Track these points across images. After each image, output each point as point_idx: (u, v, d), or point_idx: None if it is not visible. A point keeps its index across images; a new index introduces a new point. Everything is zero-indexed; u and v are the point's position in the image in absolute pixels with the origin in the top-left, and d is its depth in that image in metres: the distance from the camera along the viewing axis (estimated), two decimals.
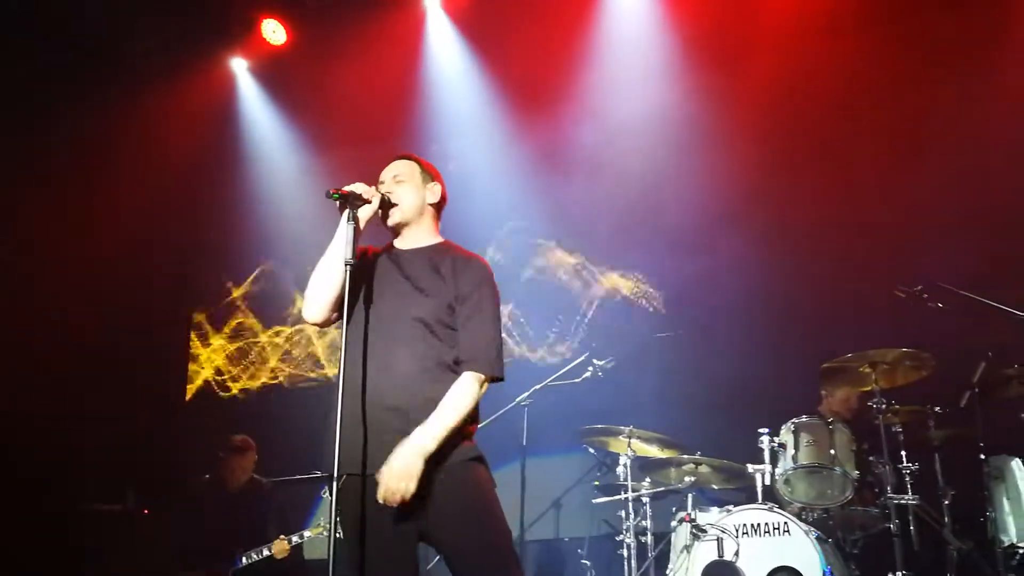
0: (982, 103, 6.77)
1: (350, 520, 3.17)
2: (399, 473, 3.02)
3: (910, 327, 6.05)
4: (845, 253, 6.98)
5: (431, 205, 3.54)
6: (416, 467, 3.03)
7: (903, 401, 5.75)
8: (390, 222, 3.47)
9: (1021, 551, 5.61)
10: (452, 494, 3.13)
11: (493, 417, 6.44)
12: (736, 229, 7.28)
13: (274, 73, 8.71)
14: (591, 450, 6.73)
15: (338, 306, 3.31)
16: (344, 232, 3.25)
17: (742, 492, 6.07)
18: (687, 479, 5.81)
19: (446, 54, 8.39)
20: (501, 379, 3.29)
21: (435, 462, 3.10)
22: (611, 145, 7.81)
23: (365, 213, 3.33)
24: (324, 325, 3.42)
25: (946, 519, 5.66)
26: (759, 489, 5.55)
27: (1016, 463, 5.81)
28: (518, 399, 6.70)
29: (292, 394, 8.92)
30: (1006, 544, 5.59)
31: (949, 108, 6.87)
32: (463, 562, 3.12)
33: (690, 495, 5.71)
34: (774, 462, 5.63)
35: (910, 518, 5.52)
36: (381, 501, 3.03)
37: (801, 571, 5.02)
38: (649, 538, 5.85)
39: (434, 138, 8.47)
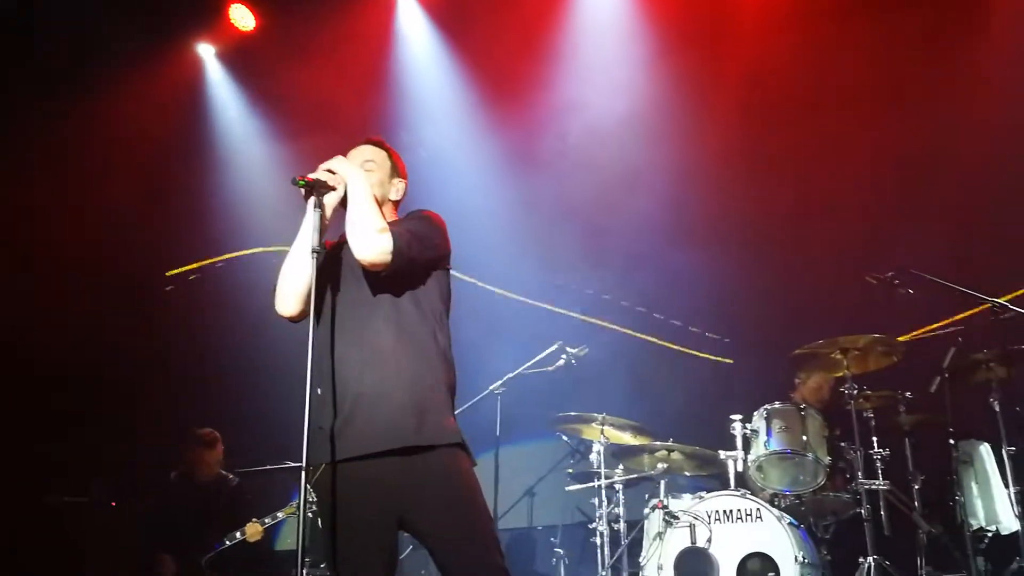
0: (956, 92, 6.80)
1: (326, 508, 3.12)
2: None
3: (881, 314, 6.08)
4: (818, 241, 7.00)
5: (391, 201, 3.47)
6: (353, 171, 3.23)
7: (874, 387, 5.78)
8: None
9: (989, 534, 5.68)
10: (434, 481, 3.08)
11: (466, 406, 6.42)
12: (709, 219, 7.30)
13: (242, 59, 8.58)
14: (564, 438, 6.73)
15: (306, 297, 3.23)
16: (311, 220, 3.17)
17: (715, 479, 6.09)
18: (660, 466, 5.81)
19: (417, 40, 8.31)
20: (394, 257, 3.13)
21: (418, 448, 3.07)
22: (584, 135, 7.77)
23: (332, 201, 3.23)
24: (296, 319, 3.32)
25: (916, 503, 5.71)
26: (731, 476, 5.57)
27: (984, 448, 5.88)
28: (491, 387, 6.69)
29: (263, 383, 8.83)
30: (975, 528, 5.66)
31: (923, 96, 6.90)
32: (445, 550, 3.08)
33: (663, 482, 5.71)
34: (746, 449, 5.64)
35: (881, 503, 5.55)
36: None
37: (774, 557, 5.03)
38: (622, 525, 5.86)
39: (404, 125, 8.40)
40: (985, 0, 6.95)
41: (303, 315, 3.29)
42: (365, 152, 3.48)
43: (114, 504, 7.45)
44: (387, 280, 3.20)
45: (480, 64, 8.16)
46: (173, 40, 8.33)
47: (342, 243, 3.37)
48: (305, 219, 3.25)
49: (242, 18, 8.19)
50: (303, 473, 2.94)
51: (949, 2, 6.97)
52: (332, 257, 3.33)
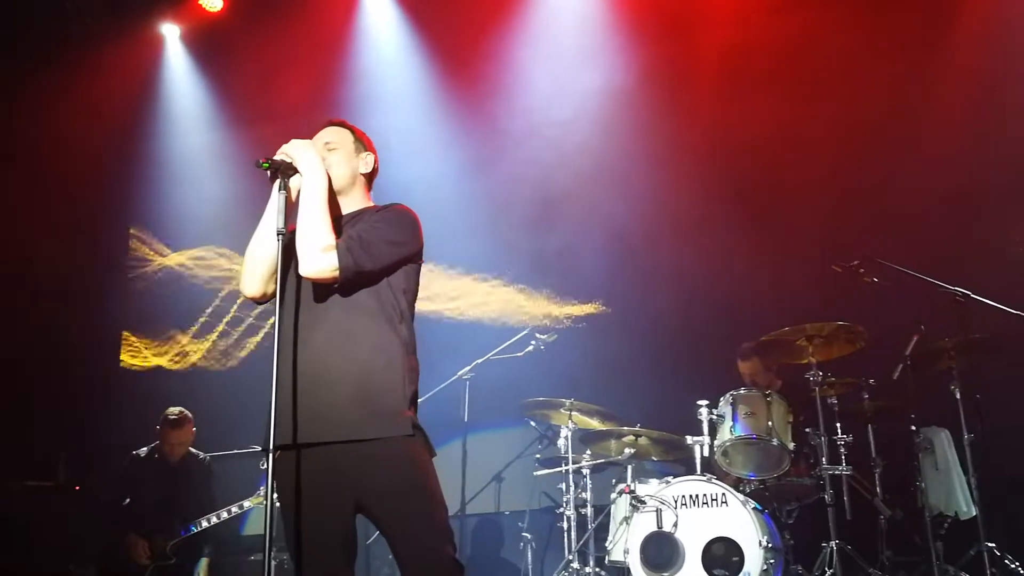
0: (931, 82, 6.85)
1: (286, 492, 3.13)
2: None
3: (845, 301, 6.15)
4: (786, 229, 7.04)
5: (363, 175, 3.45)
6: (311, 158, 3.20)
7: (838, 374, 5.85)
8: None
9: (948, 520, 5.78)
10: (387, 468, 3.08)
11: (434, 391, 6.43)
12: (675, 207, 7.32)
13: (207, 41, 8.49)
14: (532, 423, 6.75)
15: (272, 277, 3.22)
16: (276, 202, 3.15)
17: (681, 464, 6.14)
18: (627, 451, 5.86)
19: (385, 27, 8.29)
20: (342, 274, 3.10)
21: (378, 450, 3.07)
22: (552, 122, 7.76)
23: (297, 182, 3.21)
24: (262, 300, 3.32)
25: (878, 489, 5.79)
26: (698, 460, 5.61)
27: (945, 435, 5.97)
28: (459, 373, 6.70)
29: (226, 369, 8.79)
30: (934, 513, 5.75)
31: (898, 86, 6.94)
32: (395, 536, 3.09)
33: (630, 467, 5.75)
34: (712, 434, 5.69)
35: (843, 488, 5.63)
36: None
37: (738, 541, 5.09)
38: (589, 510, 5.89)
39: (373, 112, 8.37)
40: None
41: (267, 297, 3.29)
42: (325, 135, 3.45)
43: (77, 488, 7.40)
44: None
45: (449, 49, 8.14)
46: (136, 18, 8.22)
47: None
48: (270, 201, 3.23)
49: None
50: (269, 457, 2.94)
51: None
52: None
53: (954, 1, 7.04)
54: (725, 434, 5.67)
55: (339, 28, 8.25)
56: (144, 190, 8.86)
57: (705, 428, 5.68)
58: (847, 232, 6.76)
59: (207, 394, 8.04)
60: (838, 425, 5.77)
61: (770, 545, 5.06)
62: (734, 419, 5.67)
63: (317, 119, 3.56)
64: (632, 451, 5.86)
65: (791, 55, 7.16)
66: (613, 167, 7.56)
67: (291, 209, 3.19)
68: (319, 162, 3.25)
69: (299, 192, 3.21)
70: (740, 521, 5.15)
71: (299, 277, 3.22)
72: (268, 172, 3.17)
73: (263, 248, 3.23)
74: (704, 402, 5.73)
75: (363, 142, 3.49)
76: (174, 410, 6.83)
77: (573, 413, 6.10)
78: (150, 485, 6.68)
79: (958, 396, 5.62)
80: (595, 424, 6.26)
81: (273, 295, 3.24)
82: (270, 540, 2.90)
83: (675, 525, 5.23)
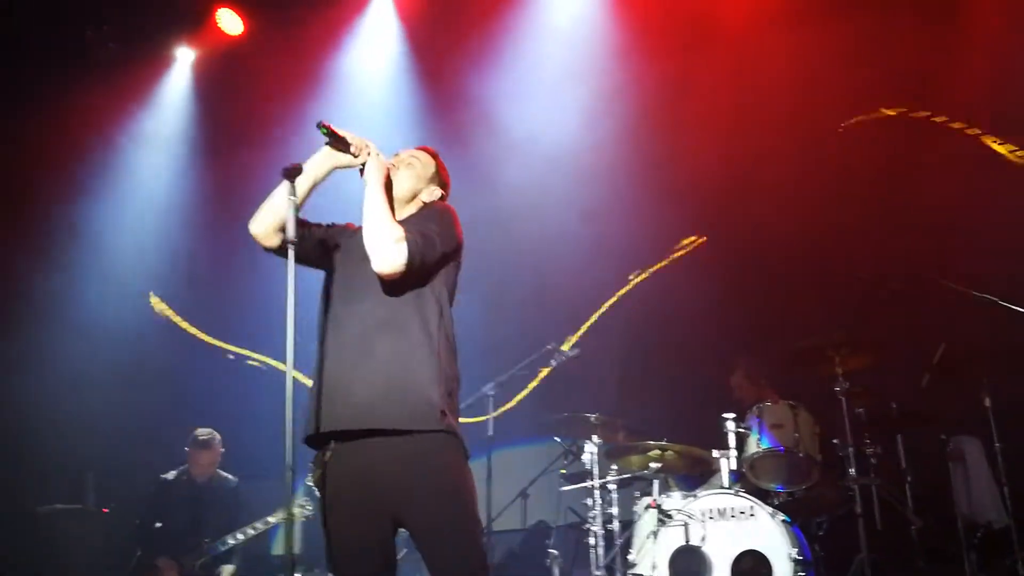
0: (936, 101, 6.81)
1: (328, 499, 3.15)
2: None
3: (872, 312, 6.11)
4: (805, 242, 6.97)
5: (422, 201, 3.45)
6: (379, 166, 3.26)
7: (866, 383, 5.80)
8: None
9: (982, 530, 5.71)
10: (421, 468, 3.05)
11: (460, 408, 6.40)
12: (693, 221, 7.31)
13: (221, 66, 8.51)
14: (557, 439, 6.73)
15: (279, 231, 3.26)
16: (288, 208, 3.16)
17: (708, 477, 6.10)
18: (653, 465, 5.82)
19: (386, 48, 8.32)
20: (408, 267, 3.12)
21: (414, 448, 3.06)
22: (554, 142, 7.72)
23: (342, 160, 3.28)
24: (266, 245, 3.35)
25: (908, 499, 5.73)
26: (725, 474, 5.57)
27: (975, 443, 5.91)
28: (483, 390, 6.69)
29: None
30: (967, 522, 5.68)
31: (906, 102, 6.90)
32: (430, 540, 3.07)
33: (656, 481, 5.72)
34: (740, 447, 5.65)
35: (874, 499, 5.57)
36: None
37: (767, 555, 5.04)
38: (616, 525, 5.86)
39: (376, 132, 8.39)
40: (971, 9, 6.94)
41: (270, 243, 3.34)
42: (413, 151, 3.50)
43: (106, 511, 7.44)
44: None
45: (446, 83, 8.13)
46: (156, 42, 8.29)
47: (353, 231, 3.41)
48: (318, 154, 3.31)
49: (230, 22, 8.15)
50: (288, 473, 2.94)
51: (933, 11, 6.93)
52: (344, 242, 3.38)
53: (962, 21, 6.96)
54: (752, 447, 5.63)
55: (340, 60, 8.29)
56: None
57: (732, 441, 5.64)
58: (869, 245, 6.69)
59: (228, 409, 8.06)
60: (866, 435, 5.72)
61: (800, 558, 5.01)
62: (761, 431, 5.63)
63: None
64: (658, 465, 5.82)
65: (804, 71, 7.10)
66: (623, 180, 7.52)
67: (297, 215, 3.22)
68: (379, 157, 3.31)
69: (324, 177, 3.33)
70: (769, 534, 5.10)
71: (343, 269, 3.29)
72: (326, 137, 3.24)
73: (280, 199, 3.27)
74: (730, 415, 5.70)
75: (442, 178, 3.52)
76: (203, 431, 6.87)
77: (599, 428, 6.07)
78: (179, 508, 6.72)
79: (988, 404, 5.56)
80: (620, 439, 6.23)
81: (276, 247, 3.32)
82: (291, 554, 2.90)
83: (703, 539, 5.19)
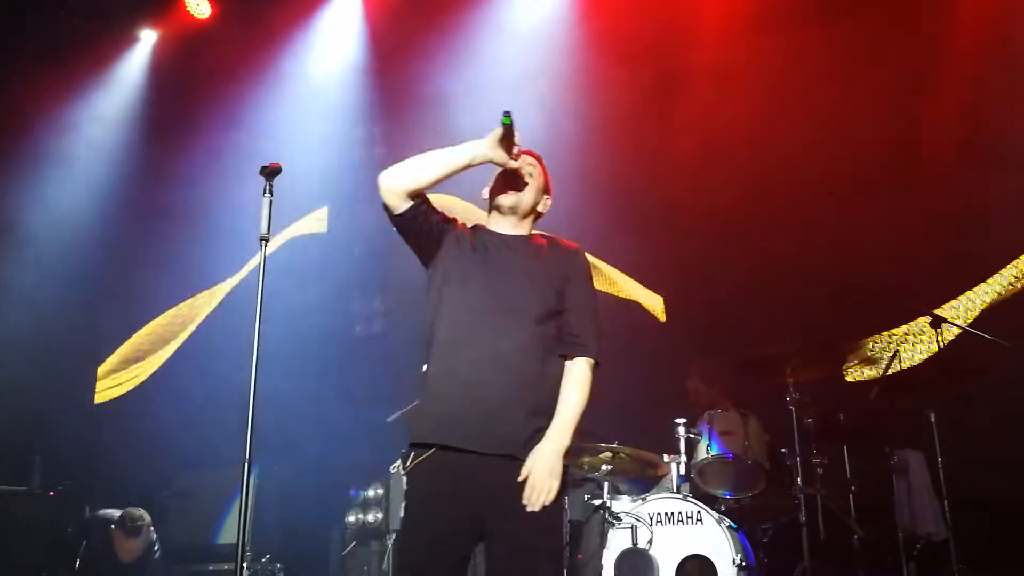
0: (914, 105, 6.89)
1: (423, 495, 3.11)
2: (549, 472, 3.05)
3: (823, 324, 6.20)
4: (764, 249, 7.06)
5: (539, 212, 3.48)
6: (560, 467, 3.07)
7: (815, 394, 5.88)
8: (508, 200, 3.36)
9: (922, 541, 5.82)
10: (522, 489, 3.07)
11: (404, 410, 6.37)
12: (655, 222, 7.34)
13: (183, 49, 8.42)
14: None
15: (412, 197, 3.21)
16: (263, 206, 3.17)
17: (657, 481, 6.15)
18: (603, 468, 5.85)
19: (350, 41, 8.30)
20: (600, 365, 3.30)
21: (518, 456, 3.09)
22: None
23: (497, 157, 3.23)
24: (392, 202, 3.23)
25: (852, 510, 5.82)
26: (674, 479, 5.62)
27: (919, 457, 6.01)
28: None
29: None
30: (908, 534, 5.78)
31: (880, 109, 6.97)
32: (516, 561, 3.04)
33: (605, 483, 5.75)
34: (689, 452, 5.71)
35: (818, 509, 5.65)
36: (529, 504, 3.03)
37: (712, 560, 5.10)
38: (565, 526, 5.88)
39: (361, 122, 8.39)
40: (950, 13, 7.00)
41: (402, 210, 3.23)
42: (529, 159, 3.44)
43: (52, 494, 7.33)
44: (525, 279, 3.26)
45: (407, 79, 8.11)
46: (123, 22, 8.19)
47: (474, 228, 3.41)
48: (494, 135, 3.21)
49: (198, 5, 8.08)
50: (245, 466, 2.94)
51: (911, 13, 7.00)
52: (512, 250, 3.34)
53: (940, 26, 7.03)
54: (702, 452, 5.69)
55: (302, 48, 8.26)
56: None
57: (682, 446, 5.70)
58: (830, 255, 6.76)
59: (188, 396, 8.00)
60: (813, 445, 5.80)
61: (744, 564, 5.09)
62: (711, 438, 5.69)
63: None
64: (609, 468, 5.85)
65: (775, 75, 7.16)
66: (587, 186, 7.53)
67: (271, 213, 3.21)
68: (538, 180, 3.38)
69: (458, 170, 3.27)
70: (715, 539, 5.16)
71: (494, 277, 3.25)
72: (506, 126, 3.18)
73: (443, 165, 3.23)
74: (681, 420, 5.75)
75: (547, 184, 3.51)
76: (134, 514, 6.65)
77: None
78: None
79: (932, 419, 5.67)
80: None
81: (402, 213, 3.23)
82: (241, 548, 2.90)
83: (650, 542, 5.24)
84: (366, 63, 8.22)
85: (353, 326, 8.57)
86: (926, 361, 5.71)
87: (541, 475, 3.04)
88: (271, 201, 3.16)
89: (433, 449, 3.09)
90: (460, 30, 7.78)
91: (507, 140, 3.20)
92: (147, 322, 8.69)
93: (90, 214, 8.37)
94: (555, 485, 3.05)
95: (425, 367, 3.21)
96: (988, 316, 5.74)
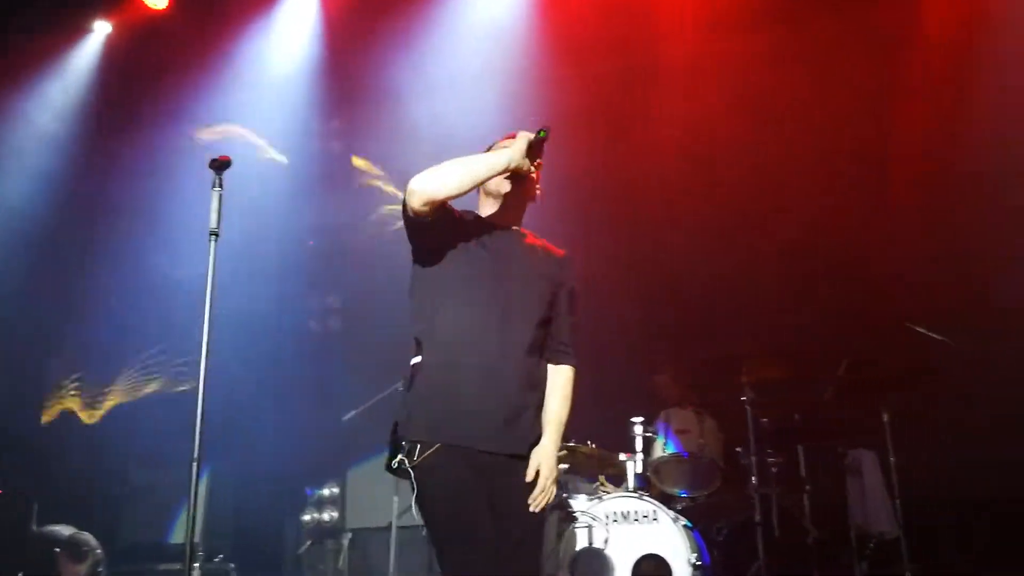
0: (879, 106, 6.93)
1: (450, 492, 3.09)
2: (551, 473, 3.18)
3: (779, 327, 6.23)
4: (740, 247, 7.04)
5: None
6: (556, 469, 3.23)
7: (771, 395, 5.92)
8: (521, 208, 3.43)
9: (874, 541, 5.88)
10: (522, 484, 3.15)
11: (372, 402, 6.33)
12: (616, 222, 7.34)
13: (136, 41, 8.27)
14: None
15: (440, 209, 3.12)
16: (212, 199, 3.12)
17: (613, 480, 6.16)
18: (560, 466, 5.84)
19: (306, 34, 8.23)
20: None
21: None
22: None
23: (522, 165, 3.21)
24: (417, 207, 3.09)
25: (806, 509, 5.87)
26: (630, 477, 5.63)
27: (871, 457, 6.07)
28: (396, 386, 6.62)
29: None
30: (861, 533, 5.84)
31: (846, 111, 7.00)
32: (505, 551, 3.07)
33: (563, 482, 5.75)
34: (646, 451, 5.71)
35: (773, 508, 5.69)
36: (534, 504, 3.13)
37: (668, 559, 5.11)
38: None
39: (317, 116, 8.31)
40: (916, 13, 7.05)
41: (426, 215, 3.11)
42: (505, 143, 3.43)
43: (2, 492, 7.17)
44: (534, 277, 3.31)
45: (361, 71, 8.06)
46: (75, 12, 8.03)
47: (477, 217, 3.38)
48: (522, 139, 3.21)
49: None
50: (194, 465, 2.88)
51: (880, 14, 7.00)
52: (514, 249, 3.34)
53: (908, 25, 7.06)
54: (658, 451, 5.70)
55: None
56: None
57: (639, 445, 5.70)
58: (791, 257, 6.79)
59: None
60: (769, 445, 5.84)
61: (699, 563, 5.09)
62: (667, 436, 5.71)
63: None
64: (566, 466, 5.85)
65: (741, 77, 7.15)
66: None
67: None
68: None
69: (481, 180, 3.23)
70: (670, 538, 5.17)
71: (508, 284, 3.25)
72: (540, 139, 3.22)
73: (472, 175, 3.15)
74: (639, 419, 5.76)
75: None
76: (82, 538, 6.35)
77: None
78: None
79: (885, 419, 5.72)
80: None
81: (425, 217, 3.11)
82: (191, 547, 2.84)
83: (606, 541, 5.23)
84: (323, 57, 8.13)
85: (307, 321, 8.48)
86: (880, 362, 5.73)
87: (549, 477, 3.16)
88: (220, 195, 3.09)
89: (439, 444, 3.08)
90: (418, 25, 7.71)
91: (535, 152, 3.25)
92: (95, 317, 8.51)
93: (38, 207, 8.19)
94: (555, 487, 3.19)
95: (419, 359, 3.19)
96: (943, 317, 5.79)
